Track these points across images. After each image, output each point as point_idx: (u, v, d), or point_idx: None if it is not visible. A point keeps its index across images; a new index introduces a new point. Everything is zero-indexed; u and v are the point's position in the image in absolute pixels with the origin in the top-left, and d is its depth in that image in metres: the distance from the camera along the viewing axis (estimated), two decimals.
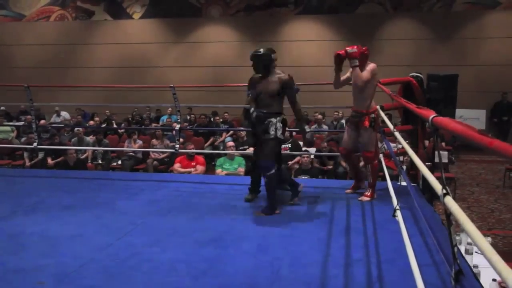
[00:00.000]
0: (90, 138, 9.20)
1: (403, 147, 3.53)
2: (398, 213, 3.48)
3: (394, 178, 5.47)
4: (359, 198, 4.83)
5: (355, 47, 4.64)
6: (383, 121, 4.72)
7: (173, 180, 5.74)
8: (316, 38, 13.73)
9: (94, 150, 8.73)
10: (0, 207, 4.54)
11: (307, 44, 13.73)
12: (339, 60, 4.68)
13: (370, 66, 4.67)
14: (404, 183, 5.00)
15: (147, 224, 4.07)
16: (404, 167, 5.55)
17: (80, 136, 8.85)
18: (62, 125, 10.60)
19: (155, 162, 8.58)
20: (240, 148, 8.68)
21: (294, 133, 9.02)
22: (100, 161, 8.77)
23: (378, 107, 4.89)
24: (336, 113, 11.40)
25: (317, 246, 3.57)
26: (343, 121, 11.25)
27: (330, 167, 7.79)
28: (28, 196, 4.96)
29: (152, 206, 4.52)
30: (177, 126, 6.26)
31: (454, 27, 13.32)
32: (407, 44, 13.30)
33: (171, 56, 14.22)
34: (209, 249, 3.50)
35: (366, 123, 4.72)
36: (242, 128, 10.67)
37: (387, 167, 5.15)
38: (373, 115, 4.74)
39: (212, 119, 11.66)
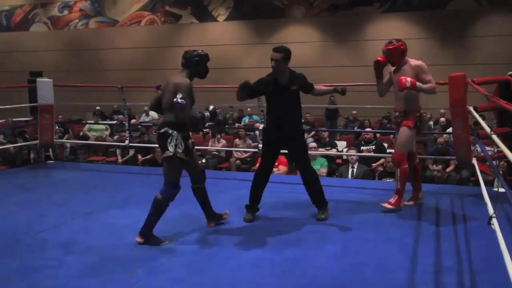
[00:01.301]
0: None
1: (500, 151, 3.30)
2: (494, 221, 3.25)
3: (488, 184, 5.13)
4: (382, 205, 4.36)
5: (389, 46, 4.34)
6: (477, 123, 4.40)
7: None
8: (403, 37, 13.05)
9: None
10: (96, 200, 4.85)
11: None
12: (378, 67, 4.38)
13: (421, 65, 4.29)
14: (501, 189, 4.67)
15: (232, 222, 4.15)
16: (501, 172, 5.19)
17: None
18: (151, 124, 11.11)
19: (237, 161, 8.74)
20: (322, 148, 8.59)
21: (378, 135, 8.77)
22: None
23: (471, 108, 4.61)
24: (424, 114, 10.91)
25: (404, 251, 3.44)
26: (431, 122, 10.76)
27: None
28: (121, 190, 5.26)
29: (236, 204, 4.60)
30: (261, 126, 6.32)
31: None
32: (504, 41, 12.41)
33: (254, 57, 14.41)
34: (292, 249, 3.50)
35: (410, 122, 4.30)
36: (323, 129, 10.58)
37: (481, 172, 4.82)
38: (418, 114, 4.37)
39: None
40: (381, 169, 7.35)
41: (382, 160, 7.54)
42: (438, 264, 3.20)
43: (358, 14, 13.64)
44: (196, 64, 3.69)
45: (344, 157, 7.76)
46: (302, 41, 14.09)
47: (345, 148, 8.63)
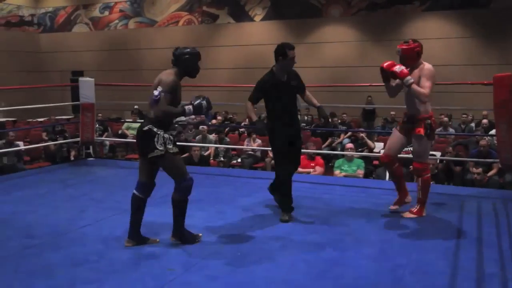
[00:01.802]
0: (212, 136, 9.64)
1: None
2: None
3: None
4: (403, 214, 4.22)
5: (404, 46, 4.05)
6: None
7: (293, 180, 5.77)
8: (443, 36, 12.91)
9: (216, 148, 9.13)
10: None
11: (434, 42, 12.97)
12: (384, 74, 4.10)
13: (428, 69, 3.98)
14: None
15: (267, 221, 4.15)
16: None
17: (204, 134, 9.31)
18: (187, 123, 11.25)
19: (273, 161, 8.73)
20: (359, 149, 8.50)
21: None
22: (221, 159, 9.15)
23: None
24: (464, 116, 10.62)
25: (443, 255, 3.35)
26: (473, 124, 10.46)
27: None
28: (158, 188, 5.34)
29: (271, 203, 4.60)
30: None
31: None
32: None
33: None
34: (328, 250, 3.47)
35: (421, 130, 4.03)
36: (361, 129, 10.45)
37: None
38: (429, 121, 4.06)
39: (330, 120, 11.54)
40: None
41: None
42: (480, 270, 3.10)
43: (397, 12, 13.40)
44: (186, 62, 3.47)
45: None
46: (339, 41, 13.96)
47: (382, 149, 8.50)
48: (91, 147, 7.34)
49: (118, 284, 2.91)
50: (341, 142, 9.82)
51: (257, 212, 4.42)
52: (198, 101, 3.40)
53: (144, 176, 3.51)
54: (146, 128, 3.34)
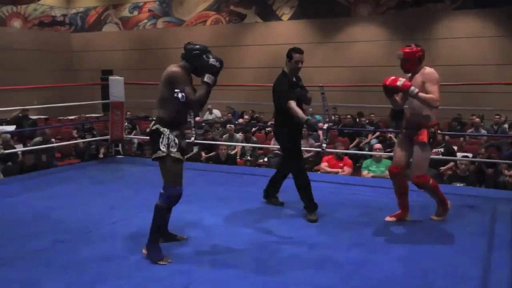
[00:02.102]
0: (239, 135, 9.67)
1: None
2: None
3: None
4: (432, 217, 4.15)
5: (406, 49, 3.86)
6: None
7: (319, 180, 5.74)
8: (475, 35, 12.62)
9: (243, 147, 9.15)
10: None
11: (464, 42, 12.72)
12: (387, 91, 3.89)
13: (430, 73, 3.80)
14: None
15: (295, 221, 4.14)
16: None
17: (231, 133, 9.35)
18: (214, 122, 11.32)
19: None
20: (388, 150, 8.37)
21: (447, 137, 8.42)
22: (248, 157, 9.16)
23: None
24: (497, 117, 10.34)
25: (475, 259, 3.29)
26: (506, 125, 10.19)
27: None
28: (185, 186, 5.39)
29: (298, 203, 4.59)
30: (325, 126, 6.25)
31: None
32: None
33: (317, 56, 14.29)
34: (356, 251, 3.44)
35: (424, 137, 3.84)
36: (389, 129, 10.30)
37: None
38: (432, 130, 3.87)
39: (357, 120, 11.44)
40: (450, 172, 7.05)
41: (451, 164, 7.25)
42: None
43: (427, 11, 13.17)
44: (195, 58, 3.27)
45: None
46: (367, 40, 13.81)
47: None
48: (120, 144, 7.45)
49: (146, 280, 2.95)
50: (369, 142, 9.71)
51: (284, 212, 4.42)
52: (209, 64, 3.23)
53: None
54: (154, 127, 3.25)
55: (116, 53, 17.28)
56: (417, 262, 3.26)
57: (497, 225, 4.05)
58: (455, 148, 7.72)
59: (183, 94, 3.14)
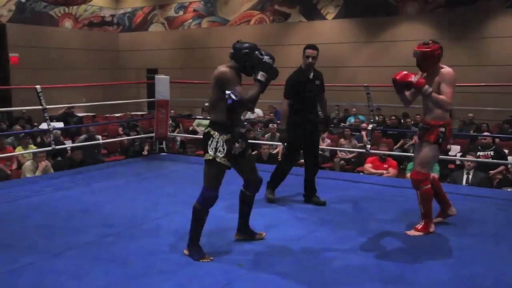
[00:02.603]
0: None
1: None
2: None
3: None
4: (407, 232, 3.79)
5: (423, 48, 3.65)
6: None
7: (363, 181, 5.65)
8: None
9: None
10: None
11: None
12: (397, 87, 3.75)
13: (448, 74, 3.64)
14: None
15: (337, 222, 4.09)
16: None
17: (273, 132, 9.34)
18: (257, 121, 11.34)
19: (342, 162, 8.60)
20: None
21: (497, 140, 8.11)
22: None
23: None
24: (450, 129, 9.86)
25: None
26: None
27: None
28: (227, 184, 5.42)
29: (344, 204, 4.53)
30: (370, 126, 6.15)
31: None
32: None
33: (362, 55, 14.08)
34: (401, 255, 3.36)
35: (432, 137, 3.69)
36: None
37: None
38: (443, 129, 3.69)
39: (402, 121, 11.19)
40: (500, 177, 6.79)
41: (501, 168, 6.97)
42: None
43: (478, 9, 12.72)
44: (245, 56, 3.20)
45: (458, 162, 7.29)
46: (415, 39, 13.41)
47: (458, 152, 8.11)
48: (164, 142, 7.59)
49: (188, 276, 2.99)
50: (413, 144, 9.47)
51: (326, 212, 4.37)
52: (263, 61, 3.17)
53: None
54: (206, 130, 3.26)
55: (161, 52, 17.61)
56: (465, 267, 3.15)
57: None
58: (506, 151, 7.41)
59: (235, 94, 3.09)
